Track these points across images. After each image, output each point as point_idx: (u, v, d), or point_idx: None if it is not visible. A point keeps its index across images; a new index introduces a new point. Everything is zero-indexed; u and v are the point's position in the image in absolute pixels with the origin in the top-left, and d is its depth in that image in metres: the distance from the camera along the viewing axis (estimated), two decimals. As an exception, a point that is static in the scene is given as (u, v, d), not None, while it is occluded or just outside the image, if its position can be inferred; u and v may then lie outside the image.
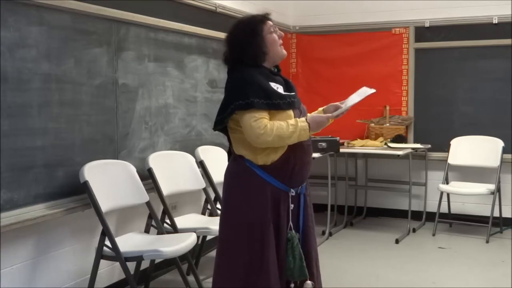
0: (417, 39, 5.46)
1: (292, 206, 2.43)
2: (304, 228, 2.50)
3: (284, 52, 2.50)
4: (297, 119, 2.36)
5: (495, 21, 5.13)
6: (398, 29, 5.52)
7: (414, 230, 5.19)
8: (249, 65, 2.40)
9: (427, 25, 5.38)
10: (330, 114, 2.47)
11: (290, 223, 2.43)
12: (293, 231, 2.43)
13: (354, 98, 2.58)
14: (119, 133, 3.40)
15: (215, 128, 2.48)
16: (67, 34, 3.01)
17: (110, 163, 3.28)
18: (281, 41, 2.47)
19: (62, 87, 2.98)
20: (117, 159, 3.37)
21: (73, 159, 3.06)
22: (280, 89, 2.41)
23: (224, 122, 2.41)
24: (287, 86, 2.49)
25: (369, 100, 5.98)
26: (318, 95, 5.68)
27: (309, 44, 5.87)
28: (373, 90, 2.57)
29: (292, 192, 2.43)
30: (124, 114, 3.44)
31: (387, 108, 5.48)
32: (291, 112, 2.39)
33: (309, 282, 2.46)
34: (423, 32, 5.43)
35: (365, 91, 2.58)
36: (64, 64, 2.99)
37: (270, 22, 2.46)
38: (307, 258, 2.46)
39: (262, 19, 2.44)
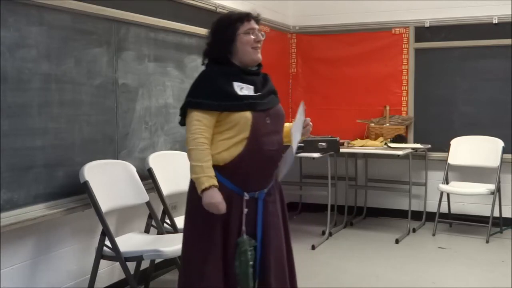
0: (417, 39, 5.46)
1: (246, 210, 2.36)
2: (262, 236, 2.40)
3: (258, 56, 2.42)
4: (210, 175, 2.27)
5: (495, 21, 5.13)
6: (398, 29, 5.52)
7: (414, 230, 5.19)
8: (217, 61, 2.40)
9: (427, 25, 5.38)
10: (222, 207, 2.29)
11: (243, 227, 2.36)
12: (245, 236, 2.34)
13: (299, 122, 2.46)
14: (119, 133, 3.40)
15: (181, 123, 2.46)
16: (67, 34, 3.01)
17: (110, 163, 3.28)
18: (259, 45, 2.42)
19: (62, 87, 2.98)
20: (117, 159, 3.37)
21: (73, 159, 3.06)
22: (247, 89, 2.37)
23: (181, 116, 2.42)
24: (264, 86, 2.45)
25: (369, 100, 6.04)
26: (318, 95, 5.69)
27: (309, 44, 5.87)
28: (302, 105, 2.47)
29: (246, 196, 2.36)
30: (124, 114, 3.44)
31: (387, 108, 5.49)
32: (246, 114, 2.32)
33: None
34: (423, 32, 5.43)
35: (301, 111, 2.47)
36: (64, 64, 2.99)
37: (250, 24, 2.40)
38: (263, 268, 2.38)
39: (241, 18, 2.40)
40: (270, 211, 2.44)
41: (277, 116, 2.44)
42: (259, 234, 2.39)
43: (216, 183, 2.28)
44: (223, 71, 2.38)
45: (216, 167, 2.34)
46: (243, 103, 2.32)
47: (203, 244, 2.35)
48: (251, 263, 2.33)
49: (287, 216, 2.60)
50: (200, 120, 2.29)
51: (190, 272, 2.40)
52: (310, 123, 2.55)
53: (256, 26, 2.43)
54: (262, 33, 2.46)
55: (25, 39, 2.76)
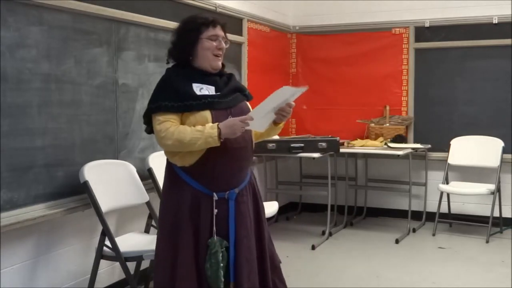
0: (417, 39, 5.46)
1: (216, 211, 2.34)
2: (235, 237, 2.38)
3: (217, 64, 2.41)
4: (208, 125, 2.27)
5: (495, 21, 5.13)
6: (398, 29, 5.52)
7: (414, 230, 5.19)
8: (179, 63, 2.41)
9: (427, 25, 5.38)
10: (243, 116, 2.28)
11: (214, 228, 2.33)
12: (215, 237, 2.33)
13: (275, 98, 2.33)
14: (119, 133, 3.41)
15: (146, 131, 2.47)
16: (67, 34, 3.01)
17: (110, 163, 3.28)
18: (220, 53, 2.40)
19: (62, 87, 2.98)
20: (117, 159, 3.37)
21: (73, 159, 3.06)
22: (207, 89, 2.36)
23: (147, 125, 2.43)
24: (226, 85, 2.43)
25: (369, 100, 6.05)
26: (318, 95, 5.69)
27: (309, 44, 5.87)
28: (303, 89, 2.36)
29: (215, 197, 2.35)
30: (124, 114, 3.44)
31: (387, 108, 5.49)
32: (206, 113, 2.32)
33: None
34: (423, 32, 5.43)
35: (292, 92, 2.35)
36: (64, 64, 2.99)
37: (216, 30, 2.39)
38: (236, 269, 2.37)
39: (207, 23, 2.38)
40: (242, 211, 2.42)
41: (240, 113, 2.40)
42: (231, 235, 2.38)
43: (215, 124, 2.26)
44: (182, 73, 2.38)
45: (182, 169, 2.37)
46: (201, 102, 2.32)
47: (174, 246, 2.35)
48: (221, 264, 2.32)
49: (262, 216, 2.56)
50: (166, 120, 2.30)
51: (163, 276, 2.39)
52: (290, 109, 2.41)
53: (221, 33, 2.42)
54: (227, 41, 2.44)
55: (25, 39, 2.76)
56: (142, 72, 3.59)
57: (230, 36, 2.47)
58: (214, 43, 2.38)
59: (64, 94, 2.99)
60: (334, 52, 5.75)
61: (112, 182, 3.18)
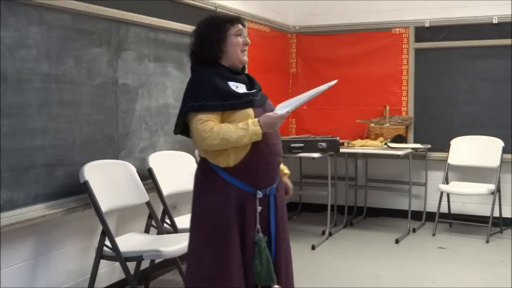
0: (417, 39, 5.46)
1: (260, 208, 2.37)
2: (275, 232, 2.43)
3: (245, 58, 2.47)
4: (250, 121, 2.30)
5: (495, 21, 5.13)
6: (398, 29, 5.52)
7: (414, 230, 5.19)
8: (207, 63, 2.40)
9: (427, 25, 5.38)
10: (281, 113, 2.35)
11: (258, 225, 2.37)
12: (261, 234, 2.36)
13: (310, 92, 2.50)
14: (119, 133, 3.41)
15: (175, 131, 2.47)
16: (67, 34, 3.01)
17: (110, 163, 3.28)
18: (245, 48, 2.45)
19: (62, 87, 2.98)
20: (117, 159, 3.37)
21: (73, 159, 3.06)
22: (241, 87, 2.40)
23: (180, 125, 2.42)
24: (251, 84, 2.47)
25: (369, 100, 6.04)
26: (318, 95, 5.68)
27: (309, 44, 5.87)
28: (333, 82, 2.52)
29: (259, 194, 2.37)
30: (124, 114, 3.44)
31: (387, 108, 5.49)
32: (250, 111, 2.35)
33: (276, 286, 2.39)
34: (423, 32, 5.43)
35: (325, 86, 2.52)
36: (64, 64, 2.99)
37: (239, 26, 2.44)
38: (275, 263, 2.41)
39: (232, 20, 2.43)
40: (279, 206, 2.47)
41: (270, 110, 2.44)
42: (273, 230, 2.41)
43: (256, 121, 2.31)
44: (216, 72, 2.38)
45: (226, 169, 2.35)
46: (244, 100, 2.35)
47: (222, 245, 2.33)
48: (271, 259, 2.36)
49: (285, 209, 2.61)
50: (209, 120, 2.29)
51: (206, 274, 2.36)
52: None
53: (243, 29, 2.48)
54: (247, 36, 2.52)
55: (25, 39, 2.76)
56: (142, 72, 3.59)
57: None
58: (241, 39, 2.42)
59: (64, 94, 2.99)
60: (334, 52, 5.75)
61: (112, 182, 3.18)
